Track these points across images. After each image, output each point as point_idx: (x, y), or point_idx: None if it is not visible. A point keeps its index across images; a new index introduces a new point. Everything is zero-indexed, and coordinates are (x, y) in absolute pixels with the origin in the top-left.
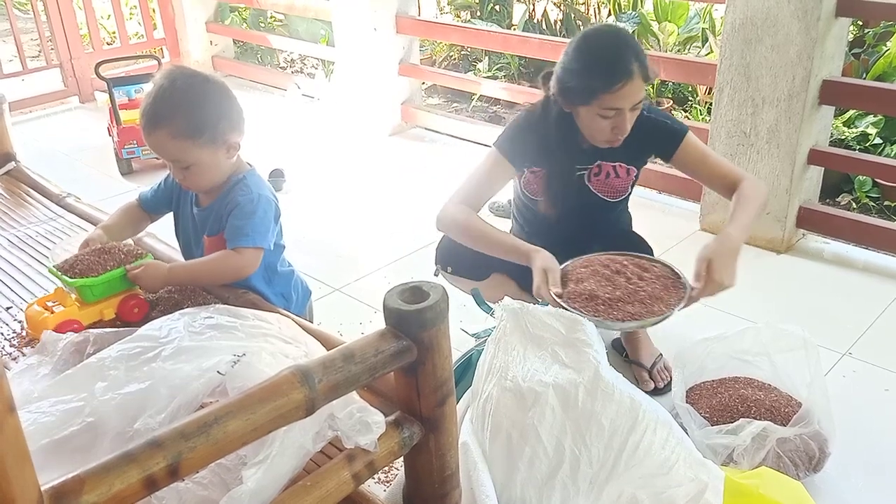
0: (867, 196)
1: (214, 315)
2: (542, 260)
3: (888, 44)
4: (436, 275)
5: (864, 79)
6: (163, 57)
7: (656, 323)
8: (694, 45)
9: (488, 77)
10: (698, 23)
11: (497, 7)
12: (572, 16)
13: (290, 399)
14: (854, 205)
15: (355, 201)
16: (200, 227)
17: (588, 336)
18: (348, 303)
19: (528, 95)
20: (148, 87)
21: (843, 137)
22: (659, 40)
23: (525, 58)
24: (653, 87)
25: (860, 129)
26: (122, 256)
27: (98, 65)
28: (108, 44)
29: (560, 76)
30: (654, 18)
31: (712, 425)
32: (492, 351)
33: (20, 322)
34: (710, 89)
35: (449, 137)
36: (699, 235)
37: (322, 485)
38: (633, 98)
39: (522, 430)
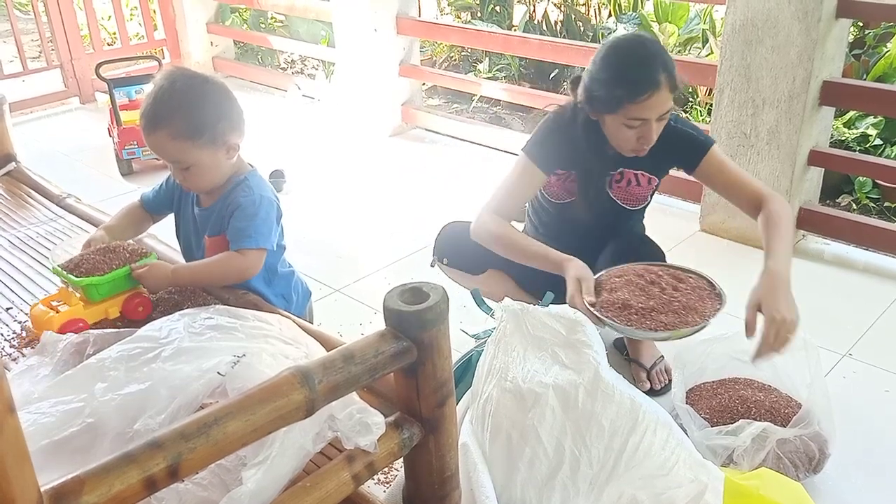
0: (867, 197)
1: (214, 316)
2: (575, 269)
3: (888, 45)
4: (432, 265)
5: (865, 80)
6: (163, 58)
7: (690, 334)
8: (694, 45)
9: (489, 78)
10: (699, 24)
11: (497, 8)
12: (573, 17)
13: (290, 400)
14: (854, 206)
15: (356, 202)
16: (201, 228)
17: (588, 337)
18: (348, 304)
19: (529, 97)
20: (148, 88)
21: (843, 138)
22: (659, 41)
23: (525, 59)
24: None
25: (860, 130)
26: (127, 255)
27: (98, 65)
28: (108, 44)
29: (587, 84)
30: (655, 19)
31: (712, 426)
32: (492, 352)
33: (20, 323)
34: (711, 90)
35: (449, 138)
36: (699, 236)
37: (322, 486)
38: (660, 109)
39: (522, 430)
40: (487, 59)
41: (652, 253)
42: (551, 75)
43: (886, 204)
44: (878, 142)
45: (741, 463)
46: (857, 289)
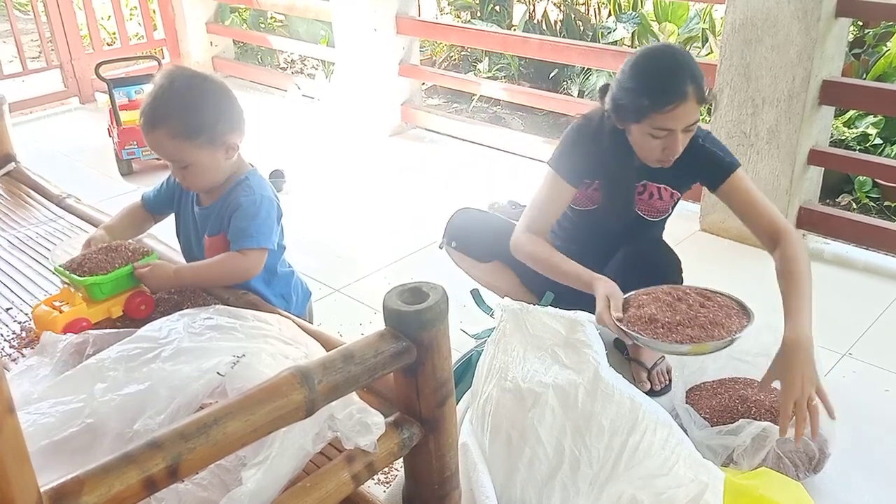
0: (867, 196)
1: (214, 316)
2: (604, 287)
3: (888, 44)
4: (440, 247)
5: (865, 79)
6: (163, 58)
7: (716, 349)
8: (694, 45)
9: (488, 77)
10: (698, 23)
11: (497, 7)
12: (572, 16)
13: (289, 400)
14: (854, 205)
15: (355, 202)
16: (201, 227)
17: (588, 337)
18: (348, 303)
19: (529, 96)
20: (148, 88)
21: (843, 138)
22: (659, 41)
23: (525, 58)
24: None
25: (860, 129)
26: (129, 254)
27: (98, 65)
28: (108, 44)
29: (615, 93)
30: (654, 19)
31: (712, 426)
32: (491, 352)
33: (20, 323)
34: (711, 89)
35: (449, 138)
36: (699, 236)
37: (322, 486)
38: (686, 120)
39: (522, 430)
40: (487, 58)
41: (666, 261)
42: (551, 75)
43: (886, 203)
44: (877, 141)
45: (741, 462)
46: (857, 288)
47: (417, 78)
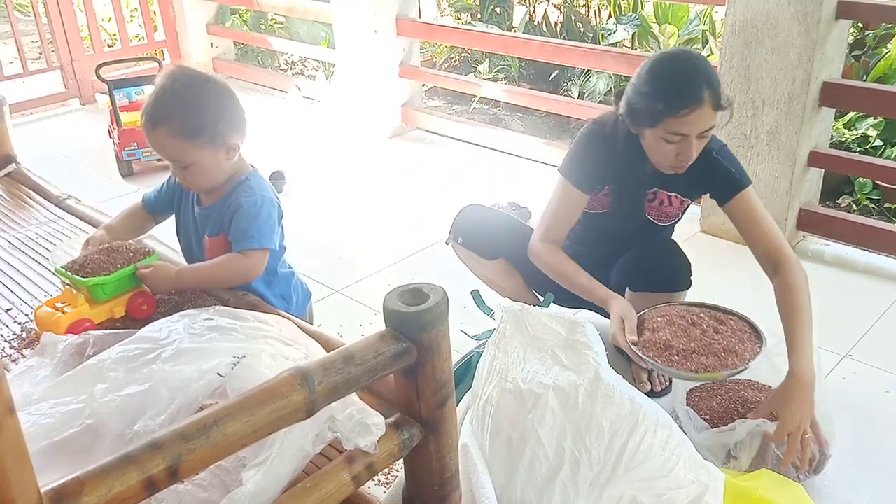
0: (867, 198)
1: (214, 317)
2: (619, 307)
3: (888, 46)
4: (446, 243)
5: (865, 81)
6: (163, 59)
7: (729, 377)
8: (694, 47)
9: (489, 79)
10: (698, 25)
11: (497, 9)
12: (573, 18)
13: (289, 401)
14: (854, 207)
15: (355, 203)
16: (202, 227)
17: (588, 338)
18: (348, 304)
19: (529, 98)
20: (149, 89)
21: (843, 139)
22: (659, 42)
23: (525, 60)
24: None
25: (860, 131)
26: (131, 255)
27: (99, 67)
28: (108, 46)
29: (630, 97)
30: (655, 20)
31: (713, 427)
32: (492, 353)
33: (20, 324)
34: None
35: (449, 139)
36: (699, 237)
37: (322, 486)
38: (701, 125)
39: (522, 432)
40: (487, 60)
41: (676, 263)
42: (551, 76)
43: (886, 205)
44: (878, 143)
45: (741, 457)
46: (858, 290)
47: (418, 79)
